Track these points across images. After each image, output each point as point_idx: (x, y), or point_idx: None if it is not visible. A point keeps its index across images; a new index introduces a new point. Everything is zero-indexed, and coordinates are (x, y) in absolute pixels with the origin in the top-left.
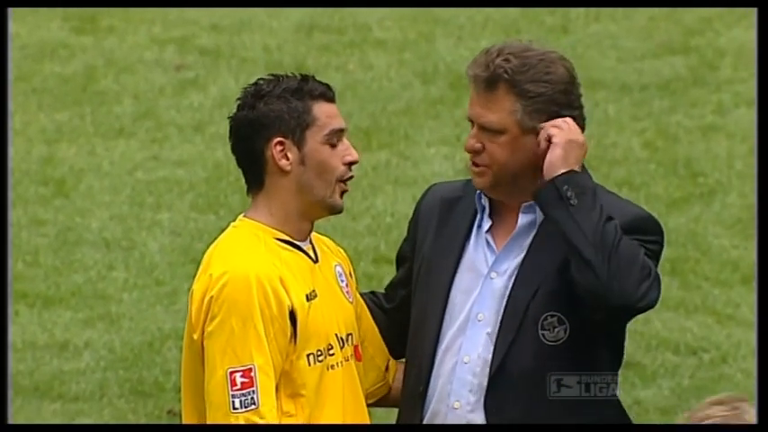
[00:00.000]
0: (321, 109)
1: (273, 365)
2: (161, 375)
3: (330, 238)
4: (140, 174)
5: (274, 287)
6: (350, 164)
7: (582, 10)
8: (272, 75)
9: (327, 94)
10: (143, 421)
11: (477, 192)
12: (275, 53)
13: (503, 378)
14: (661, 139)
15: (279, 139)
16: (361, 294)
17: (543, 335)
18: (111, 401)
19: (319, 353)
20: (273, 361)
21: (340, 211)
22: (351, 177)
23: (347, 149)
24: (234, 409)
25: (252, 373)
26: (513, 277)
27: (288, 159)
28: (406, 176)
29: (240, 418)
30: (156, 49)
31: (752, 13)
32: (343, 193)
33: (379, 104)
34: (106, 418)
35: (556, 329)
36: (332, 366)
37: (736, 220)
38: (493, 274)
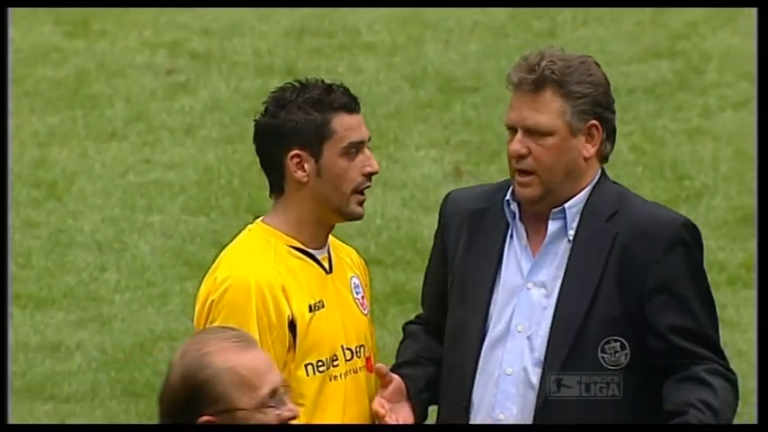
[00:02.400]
0: (341, 121)
1: None
2: (152, 376)
3: (357, 250)
4: (132, 176)
5: (275, 295)
6: (369, 174)
7: (569, 14)
8: (299, 81)
9: (349, 106)
10: (134, 422)
11: (506, 199)
12: (266, 57)
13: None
14: (648, 142)
15: (296, 151)
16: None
17: (603, 358)
18: (102, 402)
19: (320, 363)
20: None
21: (359, 219)
22: (368, 187)
23: (367, 160)
24: None
25: None
26: (556, 292)
27: (304, 171)
28: (395, 179)
29: None
30: (148, 52)
31: (738, 17)
32: (360, 202)
33: (368, 108)
34: (98, 418)
35: (617, 354)
36: (335, 377)
37: (722, 222)
38: (529, 285)
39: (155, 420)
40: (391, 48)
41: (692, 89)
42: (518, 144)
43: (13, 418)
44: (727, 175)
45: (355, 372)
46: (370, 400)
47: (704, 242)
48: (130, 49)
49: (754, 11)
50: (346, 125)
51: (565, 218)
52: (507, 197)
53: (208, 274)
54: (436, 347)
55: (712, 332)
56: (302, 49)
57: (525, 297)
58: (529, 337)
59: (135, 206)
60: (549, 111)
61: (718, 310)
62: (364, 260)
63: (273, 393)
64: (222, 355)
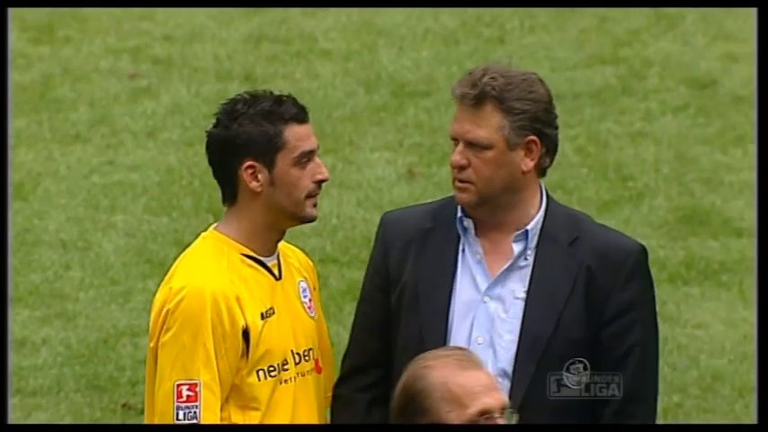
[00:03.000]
0: (292, 132)
1: (221, 381)
2: (115, 371)
3: (303, 251)
4: (96, 178)
5: (229, 305)
6: (319, 182)
7: (517, 22)
8: (249, 93)
9: (299, 117)
10: (98, 414)
11: (459, 216)
12: (225, 63)
13: (527, 409)
14: (592, 144)
15: (250, 162)
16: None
17: (567, 377)
18: (67, 396)
19: (272, 368)
20: (222, 377)
21: (312, 221)
22: (318, 193)
23: (317, 168)
24: (177, 420)
25: (197, 388)
26: (519, 307)
27: (258, 181)
28: (350, 180)
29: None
30: (111, 58)
31: (678, 25)
32: (314, 204)
33: (324, 112)
34: (63, 412)
35: (580, 374)
36: (285, 381)
37: (663, 222)
38: (486, 298)
39: (118, 413)
40: (346, 54)
41: (635, 94)
42: (458, 155)
43: None
44: (668, 177)
45: (303, 375)
46: (319, 401)
47: (646, 241)
48: (94, 55)
49: (693, 18)
50: (297, 135)
51: (526, 239)
52: (459, 215)
53: (163, 283)
54: (373, 418)
55: (653, 358)
56: (260, 56)
57: (483, 310)
58: (492, 349)
59: (99, 206)
60: (488, 125)
61: (659, 307)
62: (312, 260)
63: (484, 414)
64: (440, 370)
